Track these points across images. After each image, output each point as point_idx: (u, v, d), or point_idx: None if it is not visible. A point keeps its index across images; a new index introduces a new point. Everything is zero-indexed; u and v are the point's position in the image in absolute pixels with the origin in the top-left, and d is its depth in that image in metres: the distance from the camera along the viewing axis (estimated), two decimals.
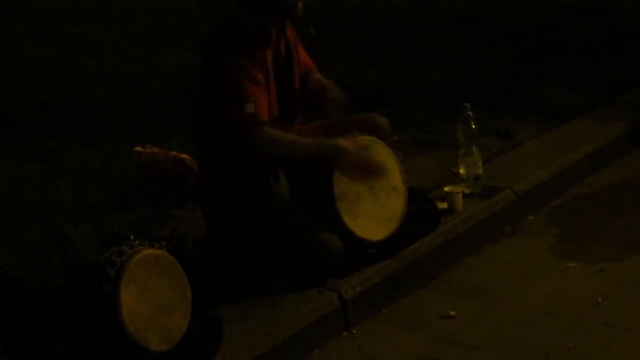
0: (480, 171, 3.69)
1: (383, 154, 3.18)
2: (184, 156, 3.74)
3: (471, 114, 3.64)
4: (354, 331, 3.02)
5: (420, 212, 3.37)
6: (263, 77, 2.99)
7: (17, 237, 3.46)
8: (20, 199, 3.86)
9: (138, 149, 3.84)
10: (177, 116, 4.63)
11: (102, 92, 5.53)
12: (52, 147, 4.49)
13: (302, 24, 3.22)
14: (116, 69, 6.04)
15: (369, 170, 3.10)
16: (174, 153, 3.79)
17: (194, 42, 6.28)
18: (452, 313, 3.10)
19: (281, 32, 3.13)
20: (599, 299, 3.15)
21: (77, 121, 4.97)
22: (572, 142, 4.34)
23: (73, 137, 4.63)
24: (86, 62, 6.30)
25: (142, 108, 5.10)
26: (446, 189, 3.59)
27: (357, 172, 3.07)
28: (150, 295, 2.57)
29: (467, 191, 3.64)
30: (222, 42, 3.00)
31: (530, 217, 3.83)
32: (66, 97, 5.49)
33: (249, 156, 2.97)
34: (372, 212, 3.11)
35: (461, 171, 3.69)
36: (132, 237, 2.66)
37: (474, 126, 3.65)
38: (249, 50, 2.97)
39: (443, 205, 3.52)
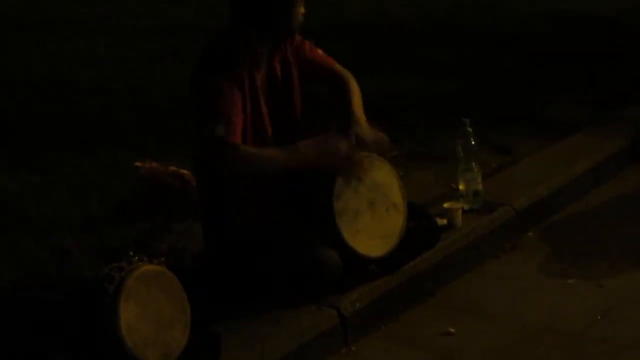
0: (480, 187, 3.69)
1: (382, 170, 3.18)
2: (184, 171, 3.75)
3: (470, 129, 3.65)
4: (353, 348, 3.01)
5: (420, 227, 3.35)
6: (242, 99, 2.93)
7: (15, 249, 3.46)
8: (19, 210, 3.85)
9: (138, 163, 3.84)
10: (177, 129, 4.63)
11: (101, 104, 5.53)
12: (51, 158, 4.49)
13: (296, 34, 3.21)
14: (116, 81, 6.04)
15: (350, 168, 3.05)
16: (173, 168, 3.80)
17: (193, 54, 6.29)
18: (452, 330, 3.10)
19: (276, 51, 3.11)
20: (598, 316, 3.14)
21: (76, 133, 4.97)
22: (571, 157, 4.35)
23: (72, 149, 4.63)
24: (86, 74, 6.30)
25: (141, 120, 5.10)
26: (446, 205, 3.59)
27: (357, 191, 3.06)
28: (149, 311, 2.57)
29: (466, 207, 3.64)
30: (207, 59, 2.99)
31: (530, 233, 3.83)
32: (66, 108, 5.50)
33: (218, 175, 2.95)
34: (372, 227, 3.10)
35: (461, 187, 3.69)
36: (131, 253, 2.66)
37: (473, 142, 3.65)
38: (233, 71, 2.93)
39: (443, 221, 3.52)
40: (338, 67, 3.33)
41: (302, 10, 3.03)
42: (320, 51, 3.30)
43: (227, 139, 2.85)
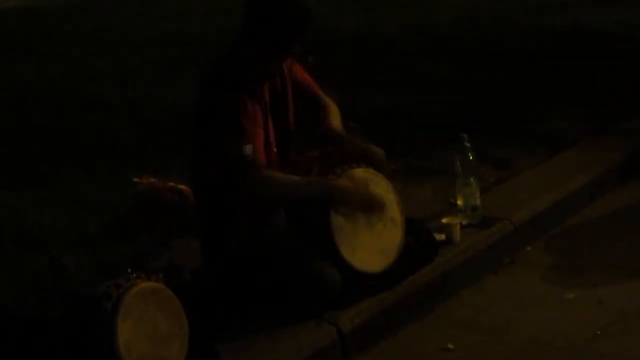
0: (478, 202, 3.69)
1: (380, 185, 3.18)
2: (182, 187, 3.74)
3: (468, 144, 3.65)
4: None
5: (418, 243, 3.35)
6: (262, 116, 2.99)
7: (13, 265, 3.45)
8: (17, 226, 3.85)
9: (136, 179, 3.84)
10: (176, 144, 4.62)
11: (100, 119, 5.53)
12: (49, 174, 4.49)
13: (300, 53, 3.22)
14: (115, 95, 6.05)
15: (369, 208, 3.09)
16: (172, 183, 3.79)
17: (192, 69, 6.30)
18: (451, 345, 3.09)
19: (279, 69, 3.12)
20: (598, 331, 3.14)
21: (74, 148, 4.97)
22: (569, 171, 4.35)
23: (70, 164, 4.63)
24: (85, 88, 6.31)
25: (140, 135, 5.10)
26: (444, 220, 3.58)
27: (358, 209, 3.07)
28: (148, 328, 2.56)
29: (465, 222, 3.64)
30: (222, 78, 2.99)
31: (528, 248, 3.83)
32: (64, 123, 5.50)
33: (246, 196, 2.96)
34: (370, 243, 3.10)
35: (459, 202, 3.69)
36: (129, 269, 2.66)
37: (471, 157, 3.65)
38: (249, 88, 2.96)
39: (441, 237, 3.51)
40: (322, 94, 3.36)
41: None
42: (308, 76, 3.33)
43: (255, 159, 2.88)
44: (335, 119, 3.28)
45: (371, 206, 3.10)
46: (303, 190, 3.02)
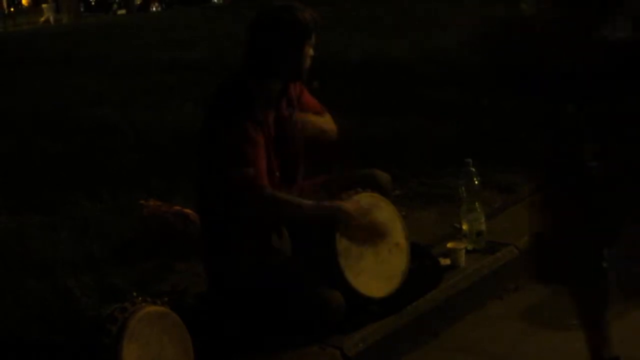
0: (483, 227, 3.69)
1: (385, 210, 3.18)
2: (188, 211, 3.75)
3: (473, 169, 3.65)
4: None
5: (423, 268, 3.35)
6: (264, 140, 3.00)
7: (18, 289, 3.45)
8: (22, 250, 3.85)
9: (142, 201, 3.85)
10: (181, 167, 4.64)
11: (105, 143, 5.56)
12: (54, 198, 4.50)
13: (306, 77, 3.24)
14: (119, 119, 6.08)
15: (370, 233, 3.10)
16: (177, 207, 3.80)
17: (197, 93, 6.34)
18: None
19: (284, 92, 3.15)
20: None
21: (79, 172, 4.99)
22: None
23: (75, 188, 4.64)
24: (89, 112, 6.34)
25: (144, 159, 5.12)
26: (449, 245, 3.58)
27: (359, 233, 3.07)
28: (152, 352, 2.56)
29: (470, 247, 3.64)
30: (226, 104, 3.01)
31: None
32: (69, 147, 5.53)
33: (251, 217, 2.97)
34: (375, 268, 3.10)
35: (464, 227, 3.69)
36: (134, 293, 2.66)
37: (476, 182, 3.65)
38: (252, 114, 2.98)
39: (446, 261, 3.51)
40: (327, 114, 3.37)
41: (311, 52, 3.07)
42: (314, 100, 3.35)
43: (258, 180, 2.89)
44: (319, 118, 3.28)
45: (372, 232, 3.10)
46: (307, 210, 3.02)
